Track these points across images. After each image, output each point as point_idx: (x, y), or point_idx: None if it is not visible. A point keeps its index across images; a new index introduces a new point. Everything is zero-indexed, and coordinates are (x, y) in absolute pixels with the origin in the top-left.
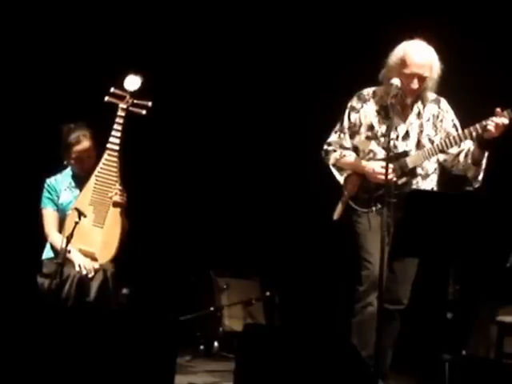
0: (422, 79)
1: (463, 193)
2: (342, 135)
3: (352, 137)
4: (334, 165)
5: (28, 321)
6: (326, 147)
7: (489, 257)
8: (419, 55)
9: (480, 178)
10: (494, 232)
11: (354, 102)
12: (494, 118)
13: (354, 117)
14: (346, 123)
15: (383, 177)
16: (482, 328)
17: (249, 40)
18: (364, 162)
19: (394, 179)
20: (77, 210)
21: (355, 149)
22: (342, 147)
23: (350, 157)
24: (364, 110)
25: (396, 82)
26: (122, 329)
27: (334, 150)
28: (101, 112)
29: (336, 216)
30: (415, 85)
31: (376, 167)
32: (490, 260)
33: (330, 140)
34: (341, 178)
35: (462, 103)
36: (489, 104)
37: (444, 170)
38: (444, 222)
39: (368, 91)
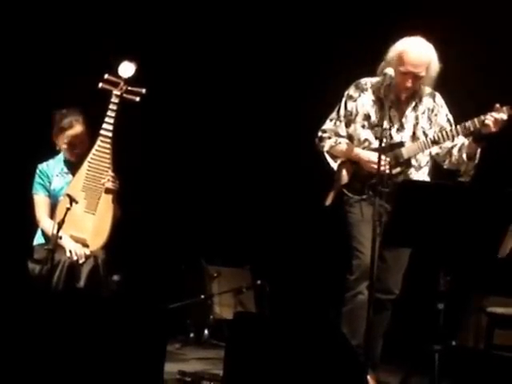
0: (416, 78)
1: (454, 183)
2: (337, 123)
3: (347, 125)
4: (328, 151)
5: (18, 306)
6: (320, 134)
7: (480, 247)
8: (417, 55)
9: (472, 172)
10: (484, 222)
11: (352, 91)
12: (493, 113)
13: (350, 105)
14: (342, 111)
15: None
16: (472, 319)
17: (243, 30)
18: (359, 150)
19: (388, 171)
20: (68, 196)
21: (350, 137)
22: (337, 135)
23: (346, 144)
24: (361, 100)
25: (390, 71)
26: (112, 316)
27: (329, 137)
28: (94, 98)
29: (328, 202)
30: (409, 83)
31: (372, 156)
32: (480, 251)
33: (324, 127)
34: (334, 165)
35: (459, 99)
36: (487, 100)
37: (435, 164)
38: (435, 212)
39: (366, 81)
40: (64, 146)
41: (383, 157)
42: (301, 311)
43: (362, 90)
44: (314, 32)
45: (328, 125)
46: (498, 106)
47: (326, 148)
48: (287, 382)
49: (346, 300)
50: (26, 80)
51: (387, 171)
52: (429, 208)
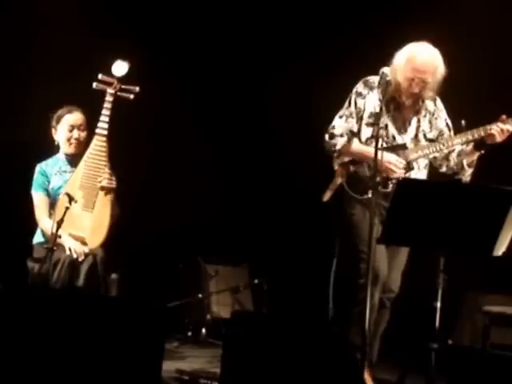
0: (424, 83)
1: (451, 181)
2: (350, 119)
3: (357, 122)
4: (340, 150)
5: (18, 305)
6: (331, 131)
7: (476, 246)
8: (424, 61)
9: (469, 178)
10: (481, 220)
11: (361, 88)
12: (500, 124)
13: (359, 102)
14: (352, 108)
15: (396, 170)
16: (469, 317)
17: (242, 27)
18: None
19: (402, 175)
20: (67, 195)
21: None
22: (350, 132)
23: (358, 144)
24: (369, 97)
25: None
26: (110, 315)
27: (341, 135)
28: (89, 99)
29: (325, 198)
30: (416, 89)
31: (392, 159)
32: (477, 249)
33: (335, 124)
34: (338, 161)
35: (466, 104)
36: (492, 110)
37: (432, 167)
38: (432, 210)
39: (374, 79)
40: (63, 137)
41: (401, 159)
42: (298, 310)
43: (370, 87)
44: (315, 33)
45: (338, 122)
46: (504, 116)
47: (338, 146)
48: (285, 380)
49: (356, 301)
50: (20, 83)
51: (403, 174)
52: (426, 206)
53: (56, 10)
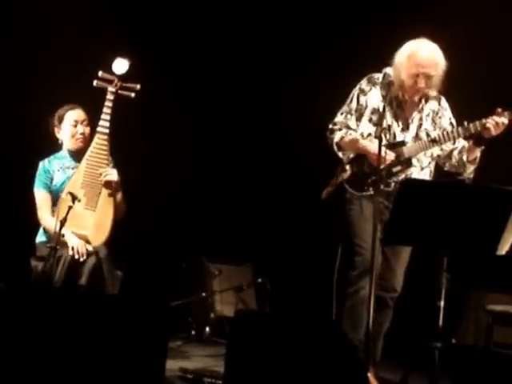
0: (428, 78)
1: (454, 181)
2: (348, 116)
3: (358, 119)
4: (337, 143)
5: (20, 304)
6: (331, 126)
7: (479, 245)
8: (426, 55)
9: (472, 175)
10: (484, 220)
11: (364, 85)
12: (495, 117)
13: (362, 99)
14: (353, 105)
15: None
16: (472, 316)
17: (243, 25)
18: (367, 142)
19: (388, 167)
20: (71, 194)
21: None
22: (348, 127)
23: (354, 136)
24: (372, 93)
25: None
26: (114, 313)
27: (340, 129)
28: (90, 98)
29: (324, 195)
30: (422, 84)
31: (376, 149)
32: (480, 248)
33: (335, 120)
34: (342, 157)
35: (463, 101)
36: (489, 104)
37: (436, 166)
38: (435, 210)
39: (378, 76)
40: (68, 133)
41: (390, 154)
42: (302, 309)
43: (373, 84)
44: (318, 33)
45: (339, 118)
46: (499, 110)
47: (336, 139)
48: (288, 379)
49: (348, 295)
50: (20, 83)
51: (388, 167)
52: (429, 206)
53: (56, 8)
